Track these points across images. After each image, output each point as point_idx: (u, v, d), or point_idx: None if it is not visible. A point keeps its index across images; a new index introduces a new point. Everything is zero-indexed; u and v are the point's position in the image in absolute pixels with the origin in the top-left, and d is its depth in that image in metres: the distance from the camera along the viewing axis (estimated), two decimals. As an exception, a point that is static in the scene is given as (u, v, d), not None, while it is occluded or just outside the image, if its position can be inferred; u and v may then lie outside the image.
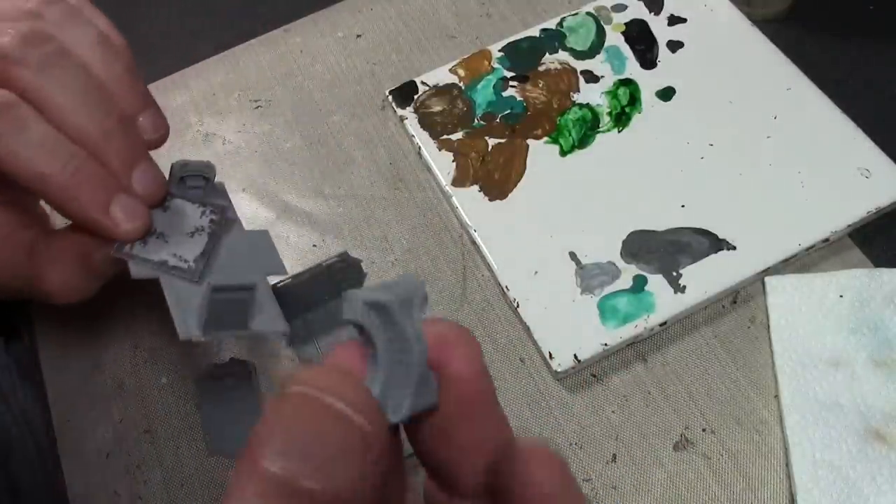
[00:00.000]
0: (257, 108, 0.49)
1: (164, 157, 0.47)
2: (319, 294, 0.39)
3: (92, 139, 0.29)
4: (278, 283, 0.36)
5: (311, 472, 0.16)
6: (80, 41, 0.31)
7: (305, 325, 0.39)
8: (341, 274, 0.38)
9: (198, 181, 0.35)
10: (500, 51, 0.48)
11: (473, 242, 0.42)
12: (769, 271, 0.40)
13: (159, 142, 0.34)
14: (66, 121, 0.29)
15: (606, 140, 0.45)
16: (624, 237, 0.41)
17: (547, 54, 0.48)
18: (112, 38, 0.32)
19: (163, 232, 0.32)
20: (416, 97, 0.47)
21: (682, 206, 0.42)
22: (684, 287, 0.39)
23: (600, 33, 0.49)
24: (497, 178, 0.44)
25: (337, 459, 0.16)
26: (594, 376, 0.39)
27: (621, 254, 0.40)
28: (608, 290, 0.39)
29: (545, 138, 0.45)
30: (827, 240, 0.41)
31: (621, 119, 0.45)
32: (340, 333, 0.39)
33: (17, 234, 0.31)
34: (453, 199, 0.43)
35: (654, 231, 0.41)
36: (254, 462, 0.16)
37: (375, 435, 0.17)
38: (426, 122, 0.46)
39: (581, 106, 0.46)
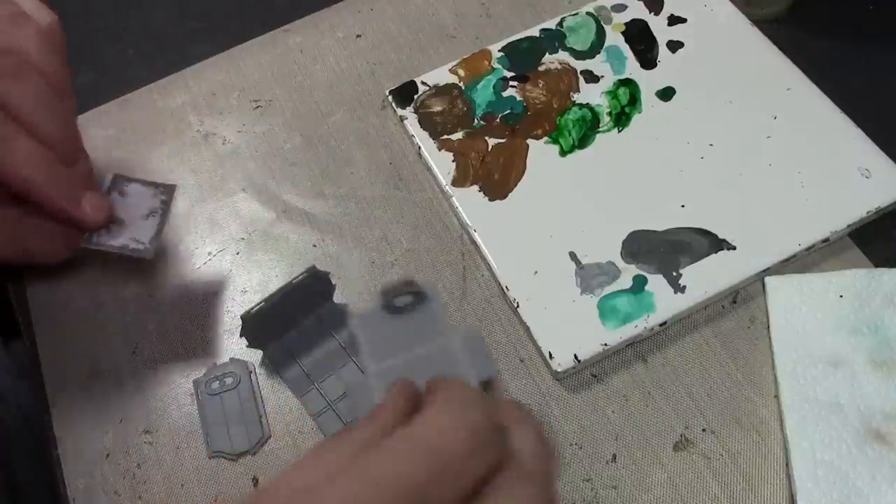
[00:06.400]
0: (257, 108, 0.49)
1: (164, 158, 0.47)
2: (293, 312, 0.39)
3: (56, 142, 0.34)
4: (252, 308, 0.36)
5: None
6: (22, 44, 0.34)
7: (283, 348, 0.39)
8: (311, 288, 0.38)
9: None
10: (500, 51, 0.48)
11: (473, 242, 0.42)
12: (769, 271, 0.40)
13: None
14: (33, 127, 0.34)
15: (606, 140, 0.45)
16: (624, 237, 0.41)
17: (547, 54, 0.48)
18: (48, 36, 0.35)
19: (122, 217, 0.38)
20: (416, 97, 0.47)
21: (682, 206, 0.42)
22: (684, 287, 0.39)
23: (600, 33, 0.49)
24: (497, 178, 0.44)
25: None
26: (594, 376, 0.39)
27: (621, 254, 0.40)
28: (608, 290, 0.39)
29: (545, 138, 0.45)
30: (827, 240, 0.41)
31: (621, 119, 0.45)
32: (319, 351, 0.39)
33: (9, 211, 0.36)
34: (453, 199, 0.43)
35: (654, 231, 0.41)
36: None
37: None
38: (426, 122, 0.46)
39: (581, 106, 0.46)
